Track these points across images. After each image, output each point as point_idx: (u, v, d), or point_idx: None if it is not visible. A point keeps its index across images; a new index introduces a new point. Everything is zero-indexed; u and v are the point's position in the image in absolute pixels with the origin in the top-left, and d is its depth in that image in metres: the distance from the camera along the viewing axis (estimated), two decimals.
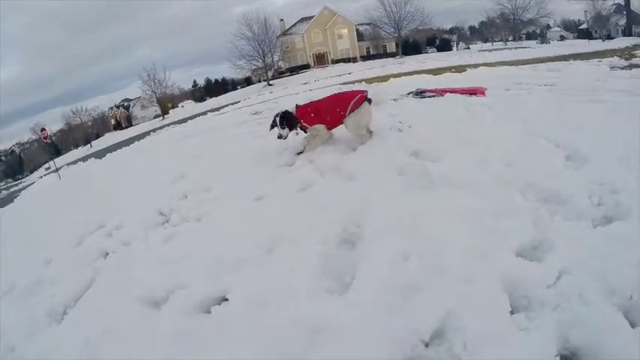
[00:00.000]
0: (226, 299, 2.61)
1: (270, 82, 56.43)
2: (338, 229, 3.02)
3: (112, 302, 3.06)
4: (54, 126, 69.26)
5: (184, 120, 27.46)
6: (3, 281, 4.36)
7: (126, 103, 78.10)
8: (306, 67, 63.88)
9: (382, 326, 2.09)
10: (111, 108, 79.01)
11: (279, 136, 5.12)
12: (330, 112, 5.27)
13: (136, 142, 21.06)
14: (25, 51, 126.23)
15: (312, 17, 66.10)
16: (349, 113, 5.14)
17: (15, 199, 18.26)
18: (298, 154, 5.23)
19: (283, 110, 5.32)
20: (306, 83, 33.52)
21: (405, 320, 2.08)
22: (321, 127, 5.26)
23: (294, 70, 63.85)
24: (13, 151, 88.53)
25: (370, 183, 3.81)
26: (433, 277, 2.32)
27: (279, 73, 63.83)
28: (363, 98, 5.19)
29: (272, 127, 5.31)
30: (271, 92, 33.95)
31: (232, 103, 29.93)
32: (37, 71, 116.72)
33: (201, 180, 5.33)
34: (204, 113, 27.31)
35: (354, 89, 5.61)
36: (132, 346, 2.48)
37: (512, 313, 2.08)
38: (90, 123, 72.57)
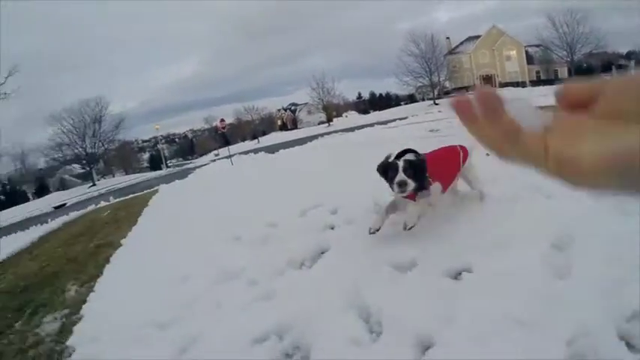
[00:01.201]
0: (470, 271, 3.20)
1: (437, 101, 55.80)
2: (551, 236, 3.41)
3: (361, 263, 3.72)
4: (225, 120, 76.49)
5: (351, 129, 28.63)
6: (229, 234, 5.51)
7: (293, 107, 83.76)
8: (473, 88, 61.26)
9: (602, 302, 2.53)
10: (279, 110, 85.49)
11: (402, 184, 3.73)
12: (449, 164, 4.49)
13: (308, 142, 22.86)
14: (207, 52, 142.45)
15: (479, 36, 63.66)
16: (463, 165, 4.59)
17: (189, 175, 21.07)
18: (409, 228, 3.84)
19: (405, 150, 4.13)
20: None
21: (622, 299, 2.51)
22: (439, 187, 4.17)
23: (460, 90, 61.13)
24: (186, 136, 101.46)
25: (571, 202, 3.94)
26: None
27: (445, 93, 62.32)
28: (467, 152, 4.63)
29: (384, 171, 3.94)
30: (440, 111, 33.35)
31: (400, 119, 30.41)
32: (214, 70, 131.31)
33: None
34: (371, 125, 28.30)
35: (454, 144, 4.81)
36: (392, 296, 3.11)
37: None
38: (257, 121, 78.61)
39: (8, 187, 65.96)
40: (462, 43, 65.88)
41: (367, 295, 3.22)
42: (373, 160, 4.19)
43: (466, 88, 59.98)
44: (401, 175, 3.74)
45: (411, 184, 3.75)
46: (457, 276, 3.19)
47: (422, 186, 3.87)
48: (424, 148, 5.08)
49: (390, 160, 4.00)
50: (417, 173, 3.80)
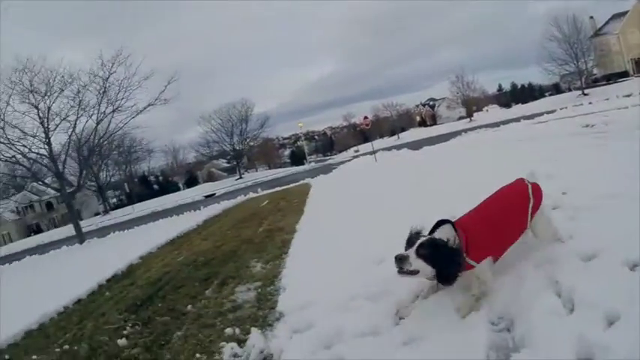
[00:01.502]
0: None
1: (585, 91, 50.85)
2: None
3: (544, 252, 4.02)
4: (362, 117, 78.07)
5: (495, 124, 28.07)
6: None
7: (431, 102, 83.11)
8: (624, 74, 53.80)
9: None
10: (417, 105, 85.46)
11: (401, 259, 3.13)
12: (509, 220, 3.75)
13: (452, 139, 22.74)
14: (340, 53, 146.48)
15: (626, 12, 55.76)
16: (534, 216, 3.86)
17: (333, 170, 21.89)
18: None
19: (440, 222, 3.51)
20: (629, 95, 29.27)
21: None
22: (488, 264, 3.56)
23: (609, 77, 54.62)
24: (325, 133, 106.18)
25: None
26: None
27: (593, 81, 56.46)
28: (541, 193, 3.87)
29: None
30: (590, 103, 31.08)
31: (547, 112, 28.45)
32: (349, 70, 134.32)
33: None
34: (517, 119, 27.43)
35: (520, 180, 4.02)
36: (580, 279, 3.39)
37: None
38: (396, 117, 78.85)
39: (161, 177, 75.11)
40: (607, 23, 58.85)
41: (558, 277, 3.59)
42: (530, 158, 4.30)
43: (617, 75, 53.20)
44: (407, 252, 3.16)
45: (418, 267, 3.15)
46: (634, 267, 3.44)
47: (445, 276, 3.28)
48: (579, 144, 5.08)
49: (417, 232, 3.36)
50: (438, 260, 3.15)
